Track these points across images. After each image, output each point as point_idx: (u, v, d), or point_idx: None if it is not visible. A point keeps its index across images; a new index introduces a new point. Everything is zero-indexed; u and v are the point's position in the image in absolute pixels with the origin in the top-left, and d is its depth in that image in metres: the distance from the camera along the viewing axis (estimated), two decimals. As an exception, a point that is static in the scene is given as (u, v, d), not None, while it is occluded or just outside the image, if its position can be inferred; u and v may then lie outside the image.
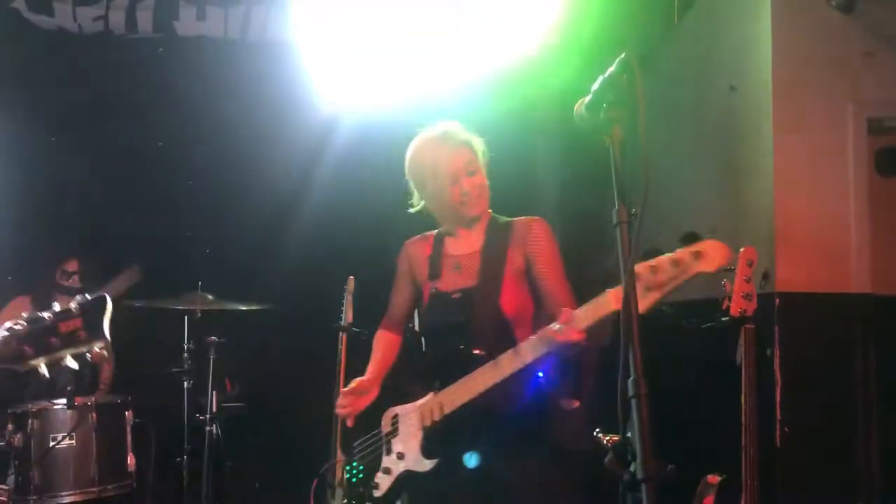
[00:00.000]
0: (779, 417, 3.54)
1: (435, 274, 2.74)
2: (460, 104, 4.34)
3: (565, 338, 2.30)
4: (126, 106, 4.84)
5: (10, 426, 3.65)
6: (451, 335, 2.62)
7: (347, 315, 3.79)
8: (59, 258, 4.46)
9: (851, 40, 3.77)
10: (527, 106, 4.73)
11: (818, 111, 3.75)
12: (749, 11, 3.89)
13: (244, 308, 4.18)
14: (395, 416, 2.68)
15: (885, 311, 3.66)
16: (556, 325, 2.32)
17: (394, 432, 2.66)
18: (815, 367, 3.55)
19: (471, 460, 2.53)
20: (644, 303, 2.14)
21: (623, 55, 1.60)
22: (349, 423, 2.75)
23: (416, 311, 3.00)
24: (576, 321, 2.30)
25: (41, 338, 1.65)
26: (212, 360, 4.07)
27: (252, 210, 4.80)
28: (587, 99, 1.75)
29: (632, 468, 1.31)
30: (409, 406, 2.64)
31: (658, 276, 2.18)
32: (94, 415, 3.81)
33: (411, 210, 2.83)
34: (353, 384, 2.75)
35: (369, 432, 2.77)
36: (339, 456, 3.54)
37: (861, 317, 3.63)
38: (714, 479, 3.25)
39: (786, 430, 3.54)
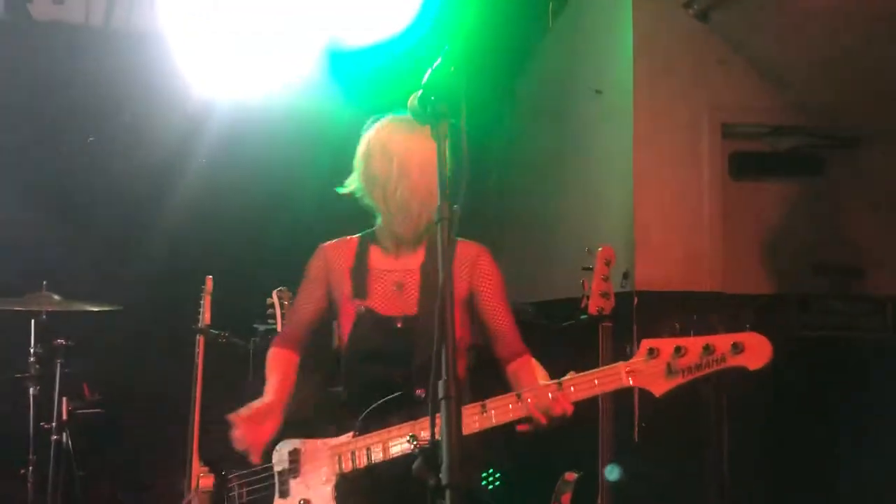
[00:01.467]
0: (637, 413, 3.63)
1: (361, 291, 2.36)
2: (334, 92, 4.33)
3: (560, 411, 2.02)
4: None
5: None
6: (386, 368, 2.26)
7: (205, 317, 3.64)
8: None
9: (708, 48, 3.91)
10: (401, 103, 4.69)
11: (676, 116, 3.88)
12: (613, 17, 3.98)
13: (95, 309, 3.96)
14: (296, 450, 2.27)
15: (734, 308, 3.81)
16: (548, 392, 2.03)
17: (292, 472, 2.26)
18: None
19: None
20: (661, 386, 1.96)
21: (447, 47, 1.56)
22: (254, 458, 2.26)
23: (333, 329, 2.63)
24: (575, 391, 2.03)
25: None
26: (59, 365, 3.83)
27: (109, 204, 4.56)
28: (419, 92, 1.70)
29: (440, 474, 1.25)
30: (316, 443, 2.25)
31: (685, 359, 1.95)
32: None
33: (341, 190, 2.46)
34: (247, 410, 2.28)
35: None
36: (198, 488, 3.27)
37: (712, 313, 3.77)
38: (571, 476, 3.29)
39: (643, 425, 3.63)
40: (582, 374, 2.07)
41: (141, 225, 4.57)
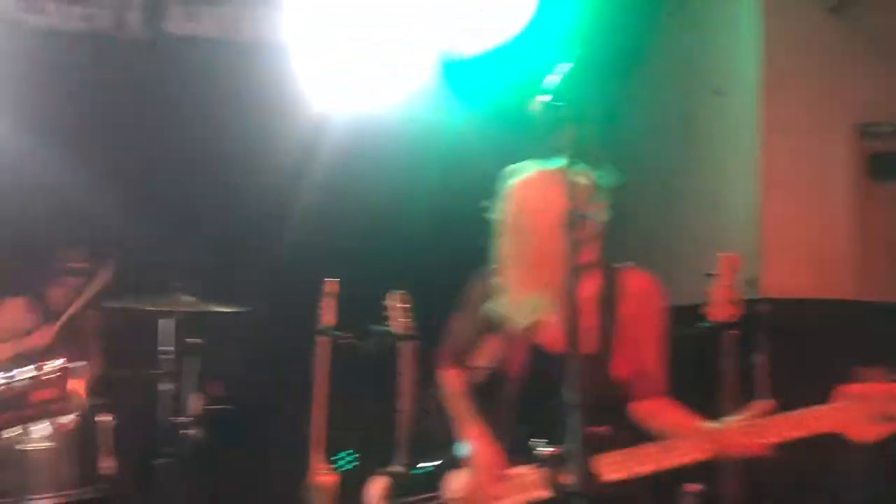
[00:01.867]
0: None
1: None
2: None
3: (752, 451, 1.89)
4: (116, 105, 4.82)
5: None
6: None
7: (327, 317, 3.75)
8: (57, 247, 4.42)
9: (842, 44, 3.72)
10: (516, 108, 4.69)
11: (808, 116, 3.71)
12: (735, 14, 3.85)
13: (225, 310, 4.14)
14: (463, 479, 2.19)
15: (872, 316, 3.60)
16: (741, 433, 1.90)
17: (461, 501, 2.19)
18: (799, 372, 3.49)
19: None
20: (870, 432, 1.82)
21: (569, 52, 1.55)
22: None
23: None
24: (770, 432, 1.88)
25: (14, 407, 1.57)
26: (191, 363, 4.03)
27: (237, 210, 4.76)
28: (545, 97, 1.69)
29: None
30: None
31: None
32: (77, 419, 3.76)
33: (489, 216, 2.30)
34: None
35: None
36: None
37: (847, 322, 3.58)
38: (693, 488, 3.19)
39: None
40: (782, 414, 1.91)
41: (266, 231, 4.75)
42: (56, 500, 3.69)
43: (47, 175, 4.74)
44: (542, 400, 2.09)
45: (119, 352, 4.38)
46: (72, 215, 4.75)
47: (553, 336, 2.09)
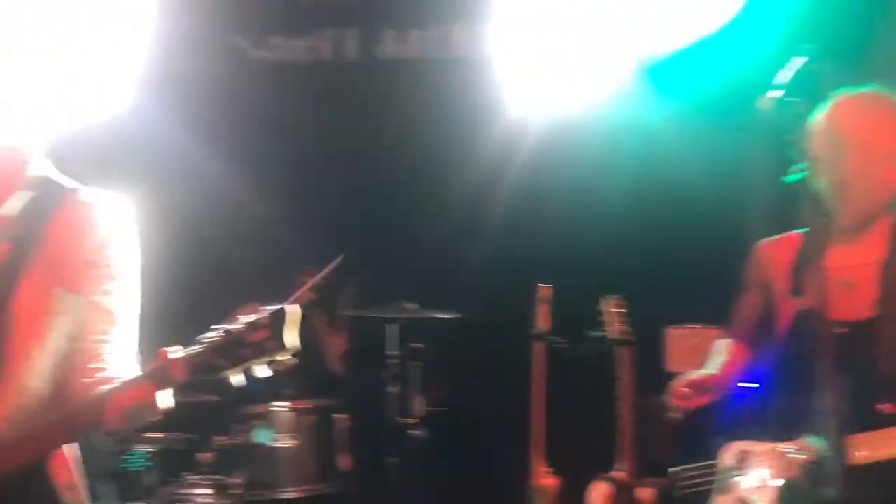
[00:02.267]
0: None
1: (800, 289, 2.17)
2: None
3: None
4: (335, 127, 5.18)
5: (239, 426, 4.01)
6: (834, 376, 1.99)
7: (542, 323, 3.81)
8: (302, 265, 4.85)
9: None
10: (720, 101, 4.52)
11: None
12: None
13: (444, 316, 4.33)
14: (745, 451, 2.22)
15: None
16: None
17: (738, 470, 2.22)
18: None
19: None
20: None
21: (813, 46, 1.49)
22: (675, 416, 2.32)
23: None
24: None
25: (233, 349, 1.71)
26: (414, 367, 4.26)
27: (451, 218, 4.95)
28: (776, 93, 1.64)
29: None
30: (764, 445, 2.17)
31: None
32: (310, 417, 4.09)
33: (789, 179, 2.20)
34: (696, 377, 2.36)
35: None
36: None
37: None
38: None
39: None
40: None
41: (478, 237, 4.89)
42: (300, 494, 4.02)
43: (281, 199, 5.20)
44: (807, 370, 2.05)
45: (352, 356, 4.71)
46: (307, 235, 5.17)
47: (824, 300, 2.04)
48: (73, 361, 1.94)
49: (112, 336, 1.98)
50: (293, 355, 1.71)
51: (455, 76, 4.99)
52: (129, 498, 3.58)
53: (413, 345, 4.29)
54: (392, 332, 4.32)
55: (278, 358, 1.71)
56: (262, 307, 1.72)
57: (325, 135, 5.21)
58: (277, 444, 3.99)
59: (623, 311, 3.74)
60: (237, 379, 1.73)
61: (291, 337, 1.69)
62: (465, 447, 4.72)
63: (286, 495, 3.99)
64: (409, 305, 4.30)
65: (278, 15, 5.25)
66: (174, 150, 4.78)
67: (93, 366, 1.93)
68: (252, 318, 1.71)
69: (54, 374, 1.94)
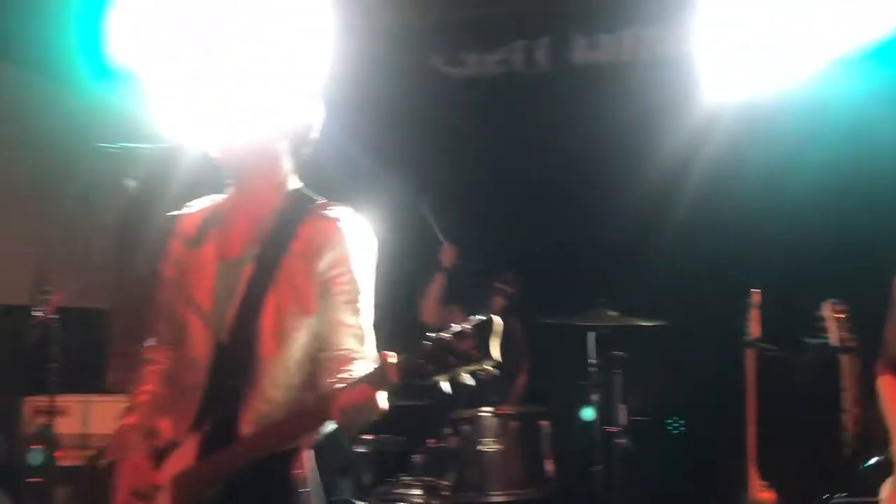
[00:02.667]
0: None
1: None
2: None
3: None
4: (526, 135, 5.25)
5: (448, 430, 4.16)
6: None
7: (754, 329, 3.66)
8: (494, 270, 4.96)
9: None
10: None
11: None
12: None
13: (646, 324, 4.26)
14: None
15: None
16: None
17: None
18: None
19: None
20: None
21: None
22: None
23: None
24: None
25: (442, 356, 1.80)
26: (617, 374, 4.22)
27: (650, 225, 4.87)
28: None
29: None
30: None
31: None
32: (515, 423, 4.16)
33: None
34: None
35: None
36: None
37: None
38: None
39: None
40: None
41: (681, 242, 4.77)
42: (506, 498, 4.10)
43: (473, 209, 5.32)
44: None
45: (554, 363, 4.75)
46: (496, 240, 5.27)
47: None
48: (323, 371, 2.07)
49: (358, 346, 2.08)
50: (495, 366, 1.78)
51: (645, 77, 4.91)
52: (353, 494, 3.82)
53: (615, 353, 4.26)
54: (594, 340, 4.31)
55: (483, 367, 1.78)
56: (469, 316, 1.80)
57: (516, 144, 5.30)
58: (484, 448, 4.09)
59: (844, 315, 3.52)
60: (445, 385, 1.81)
61: (496, 348, 1.76)
62: (672, 458, 4.61)
63: (493, 498, 4.07)
64: (611, 313, 4.27)
65: (471, 31, 5.39)
66: (363, 172, 4.95)
67: (342, 375, 2.02)
68: (459, 328, 1.79)
69: (302, 384, 2.08)
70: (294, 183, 2.22)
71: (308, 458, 2.07)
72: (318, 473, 2.07)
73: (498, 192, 5.33)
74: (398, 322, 3.77)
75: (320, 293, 2.06)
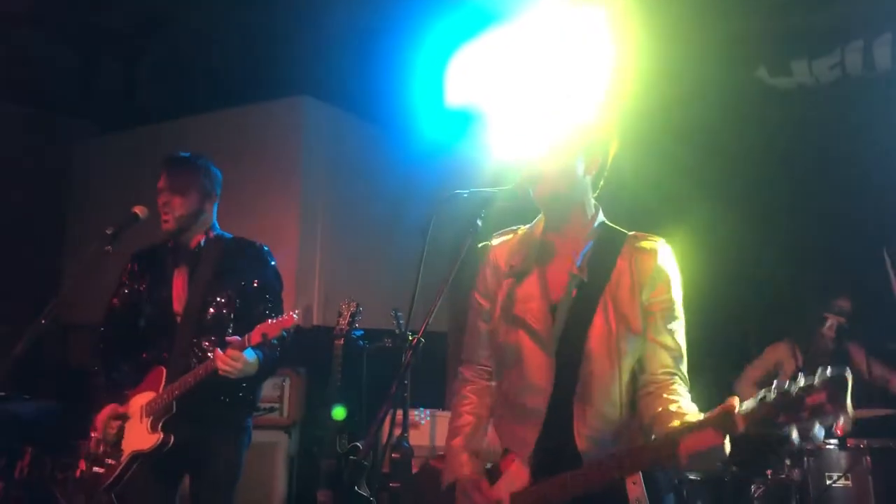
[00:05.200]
0: None
1: None
2: None
3: None
4: (861, 145, 4.81)
5: (788, 461, 3.93)
6: None
7: None
8: (831, 294, 4.65)
9: None
10: None
11: None
12: None
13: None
14: None
15: None
16: None
17: None
18: None
19: None
20: None
21: None
22: None
23: None
24: None
25: (794, 409, 1.77)
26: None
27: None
28: None
29: None
30: None
31: None
32: (867, 458, 3.82)
33: None
34: None
35: None
36: None
37: None
38: None
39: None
40: None
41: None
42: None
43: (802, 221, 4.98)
44: None
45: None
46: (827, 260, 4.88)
47: None
48: (645, 394, 2.19)
49: (679, 370, 2.20)
50: (854, 421, 1.74)
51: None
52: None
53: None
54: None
55: (837, 422, 1.74)
56: (823, 368, 1.76)
57: (849, 155, 4.87)
58: (830, 484, 3.81)
59: None
60: (795, 436, 1.78)
61: (850, 404, 1.72)
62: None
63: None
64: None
65: (799, 36, 5.08)
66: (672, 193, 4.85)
67: (666, 396, 2.14)
68: (809, 380, 1.76)
69: (629, 402, 2.19)
70: (601, 217, 2.36)
71: (641, 480, 2.11)
72: (651, 495, 2.10)
73: (830, 211, 4.94)
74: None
75: (643, 317, 2.20)
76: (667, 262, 2.24)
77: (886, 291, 4.52)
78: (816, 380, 1.75)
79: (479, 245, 2.45)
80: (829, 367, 1.75)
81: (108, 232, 2.95)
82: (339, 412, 4.43)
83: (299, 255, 4.22)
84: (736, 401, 1.89)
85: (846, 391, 1.72)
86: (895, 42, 4.80)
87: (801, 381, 1.77)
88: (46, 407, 5.20)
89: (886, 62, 4.85)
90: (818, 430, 1.75)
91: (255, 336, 3.05)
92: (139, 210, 3.08)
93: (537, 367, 2.25)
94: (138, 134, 6.49)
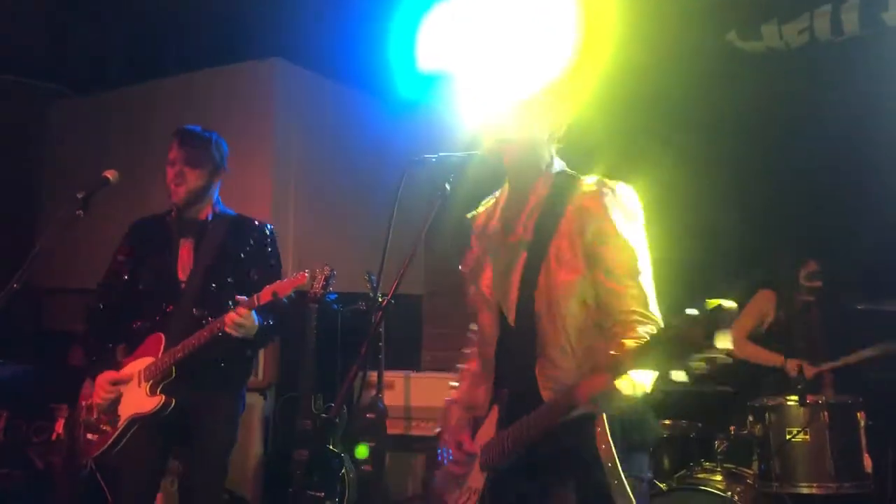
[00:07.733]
0: None
1: None
2: None
3: None
4: (828, 108, 4.88)
5: (750, 417, 4.05)
6: None
7: None
8: (800, 259, 4.74)
9: None
10: None
11: None
12: None
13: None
14: None
15: None
16: None
17: None
18: None
19: None
20: None
21: None
22: None
23: None
24: None
25: (670, 344, 1.75)
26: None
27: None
28: None
29: None
30: None
31: None
32: (825, 413, 3.94)
33: None
34: None
35: None
36: None
37: None
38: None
39: None
40: None
41: None
42: (817, 491, 3.89)
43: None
44: None
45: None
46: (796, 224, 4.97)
47: None
48: (612, 334, 2.17)
49: (641, 310, 2.15)
50: (727, 354, 1.69)
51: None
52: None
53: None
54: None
55: (712, 356, 1.70)
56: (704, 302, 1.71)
57: (818, 118, 4.93)
58: (789, 438, 3.93)
59: None
60: (678, 375, 1.76)
61: (724, 336, 1.67)
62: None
63: (801, 490, 3.90)
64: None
65: (770, 0, 5.11)
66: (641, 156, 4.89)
67: (623, 339, 2.10)
68: (694, 312, 1.72)
69: (585, 347, 2.20)
70: (558, 166, 2.38)
71: (608, 432, 2.12)
72: (621, 449, 2.12)
73: (800, 175, 5.01)
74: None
75: (587, 258, 2.19)
76: (613, 203, 2.20)
77: (854, 254, 4.64)
78: (693, 314, 1.71)
79: (469, 215, 2.54)
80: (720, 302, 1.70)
81: (80, 196, 2.94)
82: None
83: (272, 220, 4.22)
84: (628, 344, 1.97)
85: (716, 324, 1.67)
86: (862, 7, 4.86)
87: (687, 313, 1.73)
88: (21, 370, 5.21)
89: (854, 27, 4.90)
90: (696, 366, 1.73)
91: (265, 295, 3.10)
92: (110, 174, 3.07)
93: (489, 325, 2.38)
94: (108, 97, 6.43)
